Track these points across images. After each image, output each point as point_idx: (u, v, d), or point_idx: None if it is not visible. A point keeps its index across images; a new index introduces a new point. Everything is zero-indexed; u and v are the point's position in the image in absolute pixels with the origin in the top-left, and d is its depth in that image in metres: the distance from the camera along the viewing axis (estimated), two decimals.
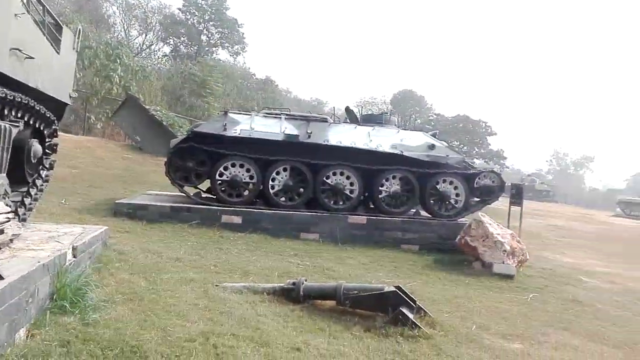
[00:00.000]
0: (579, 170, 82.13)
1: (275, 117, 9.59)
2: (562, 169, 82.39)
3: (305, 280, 5.36)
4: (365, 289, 5.16)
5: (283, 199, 9.46)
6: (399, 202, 9.82)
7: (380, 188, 9.66)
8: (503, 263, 7.99)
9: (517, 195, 10.76)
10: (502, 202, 12.62)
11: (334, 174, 9.49)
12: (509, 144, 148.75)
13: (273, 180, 9.34)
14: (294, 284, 5.25)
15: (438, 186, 9.84)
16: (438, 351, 4.40)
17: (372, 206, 10.18)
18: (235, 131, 9.14)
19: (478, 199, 10.24)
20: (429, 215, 10.05)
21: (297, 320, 4.69)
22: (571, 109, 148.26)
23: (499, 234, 8.17)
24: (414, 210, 10.25)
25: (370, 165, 9.56)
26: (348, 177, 9.52)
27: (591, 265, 10.95)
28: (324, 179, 9.42)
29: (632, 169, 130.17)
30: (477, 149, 44.77)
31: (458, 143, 44.63)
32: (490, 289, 7.20)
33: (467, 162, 10.25)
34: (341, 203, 9.55)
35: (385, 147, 9.61)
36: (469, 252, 8.43)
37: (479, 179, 10.02)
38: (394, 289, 5.06)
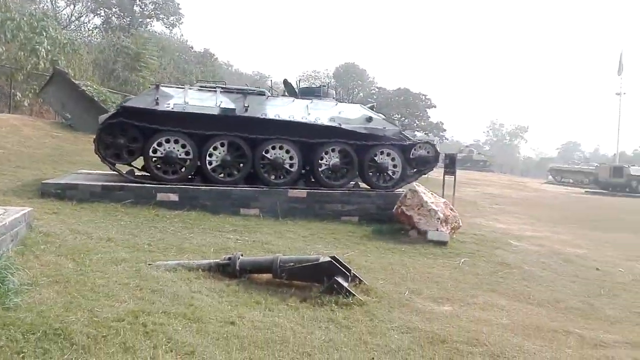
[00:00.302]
0: (514, 140, 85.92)
1: (211, 91, 9.34)
2: (499, 139, 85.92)
3: (242, 255, 5.34)
4: (301, 260, 5.20)
5: (221, 174, 9.30)
6: (339, 175, 9.90)
7: (320, 161, 9.69)
8: (437, 230, 8.28)
9: (451, 164, 11.11)
10: (438, 173, 13.02)
11: (273, 148, 9.41)
12: (448, 117, 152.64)
13: (210, 155, 9.14)
14: (229, 259, 5.21)
15: (376, 158, 9.99)
16: (371, 317, 4.52)
17: (312, 180, 10.21)
18: (167, 106, 8.83)
19: (414, 170, 10.49)
20: (368, 187, 10.21)
21: (232, 295, 4.68)
22: (507, 80, 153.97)
23: (432, 203, 8.44)
24: (354, 183, 10.38)
25: (309, 138, 9.54)
26: (287, 151, 9.47)
27: (521, 230, 11.55)
28: (263, 153, 9.33)
29: (563, 138, 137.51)
30: (417, 122, 45.74)
31: (399, 116, 45.44)
32: (425, 255, 7.46)
33: (404, 133, 10.43)
34: (281, 177, 9.51)
35: (324, 120, 9.61)
36: (405, 221, 8.67)
37: (415, 150, 10.25)
38: (329, 259, 5.13)
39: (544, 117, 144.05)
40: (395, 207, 8.85)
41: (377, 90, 49.69)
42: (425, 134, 43.10)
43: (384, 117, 10.45)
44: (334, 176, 9.85)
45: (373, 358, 3.66)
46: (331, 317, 4.39)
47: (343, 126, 9.67)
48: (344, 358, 3.60)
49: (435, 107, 47.16)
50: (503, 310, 5.22)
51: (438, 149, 10.59)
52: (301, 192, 9.30)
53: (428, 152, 10.37)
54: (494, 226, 11.51)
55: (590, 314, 5.52)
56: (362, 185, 10.57)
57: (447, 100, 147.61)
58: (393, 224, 9.09)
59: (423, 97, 45.75)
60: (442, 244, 8.13)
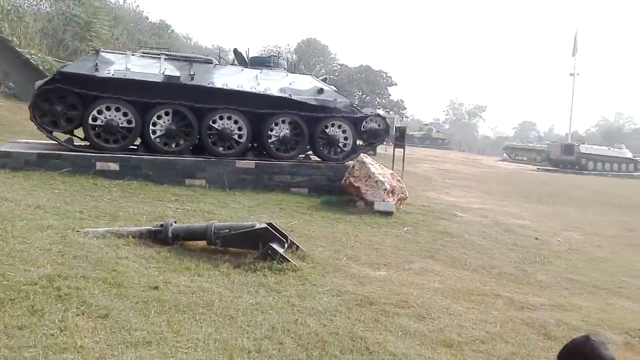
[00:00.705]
0: (472, 119, 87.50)
1: (154, 58, 8.99)
2: (458, 118, 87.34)
3: (175, 222, 5.20)
4: (236, 227, 5.12)
5: (166, 144, 9.04)
6: (289, 147, 9.79)
7: (269, 133, 9.53)
8: (383, 201, 8.32)
9: (401, 137, 11.18)
10: (399, 151, 13.08)
11: (221, 118, 9.19)
12: (409, 95, 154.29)
13: (154, 125, 8.84)
14: (161, 225, 5.07)
15: (327, 130, 9.91)
16: (303, 281, 4.50)
17: (264, 153, 10.05)
18: (108, 72, 8.46)
19: (365, 142, 10.49)
20: (319, 159, 10.16)
21: (162, 262, 4.56)
22: (467, 59, 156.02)
23: (380, 174, 8.46)
24: (304, 156, 10.30)
25: (258, 109, 9.36)
26: (236, 122, 9.27)
27: (469, 202, 11.78)
28: (210, 123, 9.10)
29: (520, 118, 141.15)
30: (378, 99, 45.85)
31: (360, 93, 45.43)
32: (369, 225, 7.49)
33: (355, 106, 10.38)
34: (229, 148, 9.32)
35: (274, 91, 9.43)
36: (353, 192, 8.68)
37: (366, 122, 10.22)
38: (265, 225, 5.06)
39: (502, 97, 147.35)
40: (344, 178, 8.83)
41: (339, 67, 49.41)
42: (386, 111, 43.21)
43: (335, 89, 10.35)
44: (284, 148, 9.73)
45: (297, 319, 3.63)
46: (262, 282, 4.34)
47: (293, 97, 9.52)
48: (268, 320, 3.56)
49: (396, 85, 47.38)
50: (437, 275, 5.30)
51: (389, 122, 10.61)
52: (249, 163, 9.15)
53: (379, 125, 10.36)
54: (443, 199, 11.68)
55: (522, 279, 5.68)
56: (314, 158, 10.52)
57: (408, 78, 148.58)
58: (343, 195, 9.09)
59: (384, 74, 45.84)
60: (388, 214, 8.18)
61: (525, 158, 38.70)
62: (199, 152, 9.39)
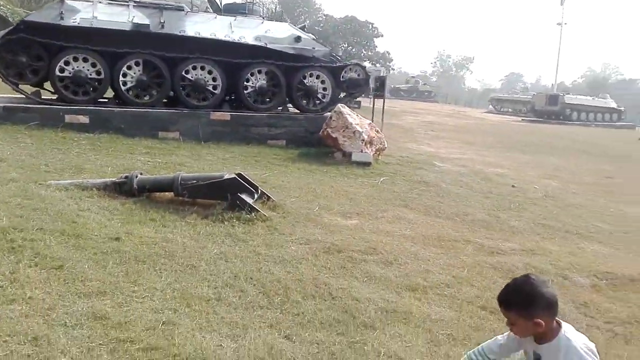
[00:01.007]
0: (459, 71, 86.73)
1: (122, 5, 8.57)
2: (445, 70, 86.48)
3: (141, 174, 5.07)
4: (204, 177, 5.00)
5: (138, 96, 8.77)
6: (266, 98, 9.57)
7: (245, 83, 9.28)
8: (361, 152, 8.23)
9: (381, 87, 10.97)
10: (390, 102, 12.87)
11: (194, 68, 8.90)
12: (395, 47, 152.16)
13: (124, 76, 8.55)
14: (126, 177, 4.93)
15: (305, 80, 9.67)
16: (272, 231, 4.44)
17: (242, 105, 9.81)
18: (74, 20, 8.07)
19: (345, 93, 10.28)
20: (297, 111, 9.96)
21: (126, 214, 4.45)
22: (454, 9, 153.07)
23: (357, 124, 8.33)
24: (281, 108, 10.09)
25: (233, 58, 9.06)
26: (210, 72, 8.99)
27: (449, 153, 11.73)
28: (183, 74, 8.82)
29: (507, 70, 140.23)
30: (364, 51, 44.93)
31: (346, 45, 44.49)
32: (346, 175, 7.42)
33: (334, 55, 10.10)
34: (204, 100, 9.08)
35: (249, 39, 9.11)
36: (331, 143, 8.56)
37: (345, 72, 9.99)
38: (233, 176, 4.95)
39: (489, 48, 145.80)
40: (322, 129, 8.69)
41: (324, 17, 48.04)
42: (372, 63, 42.52)
43: (313, 37, 10.03)
44: (261, 99, 9.51)
45: (262, 268, 3.58)
46: (229, 232, 4.27)
47: (269, 46, 9.21)
48: (231, 269, 3.50)
49: (382, 36, 46.34)
50: (409, 223, 5.28)
51: (368, 72, 10.37)
52: (224, 115, 8.94)
53: (359, 75, 10.13)
54: (424, 150, 11.62)
55: (495, 225, 5.68)
56: (292, 110, 10.32)
57: (395, 29, 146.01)
58: (321, 147, 8.97)
59: (370, 25, 44.71)
60: (365, 164, 8.11)
61: (510, 109, 38.63)
62: (173, 104, 9.15)
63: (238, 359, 2.45)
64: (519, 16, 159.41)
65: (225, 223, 4.46)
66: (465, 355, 2.06)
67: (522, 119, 30.41)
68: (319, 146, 9.04)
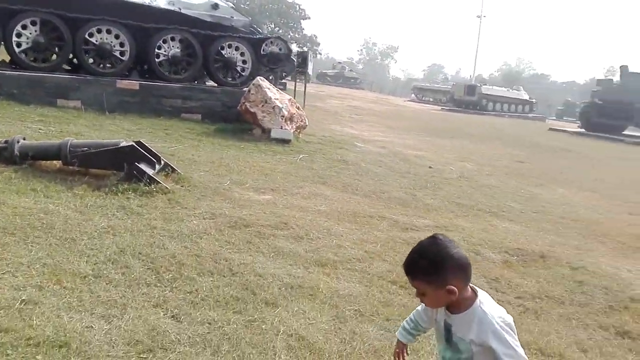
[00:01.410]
0: (385, 60, 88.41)
1: None
2: (371, 58, 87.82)
3: (24, 139, 4.45)
4: (97, 145, 4.48)
5: (35, 59, 7.88)
6: (180, 68, 8.96)
7: (157, 51, 8.61)
8: (281, 128, 7.91)
9: (303, 63, 10.67)
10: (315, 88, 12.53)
11: (99, 31, 8.12)
12: (323, 31, 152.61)
13: (19, 36, 7.63)
14: (6, 142, 4.31)
15: (223, 51, 9.15)
16: (174, 204, 4.03)
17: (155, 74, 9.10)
18: None
19: (266, 67, 9.88)
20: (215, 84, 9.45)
21: (3, 182, 3.88)
22: None
23: (277, 99, 7.99)
24: (197, 82, 9.52)
25: (143, 23, 8.36)
26: (117, 36, 8.25)
27: (371, 135, 11.70)
28: (87, 37, 8.02)
29: (429, 61, 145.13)
30: (291, 33, 44.42)
31: (273, 26, 43.70)
32: (264, 152, 7.08)
33: (254, 26, 9.65)
34: (110, 66, 8.33)
35: (161, 2, 8.46)
36: (250, 118, 8.16)
37: (266, 45, 9.57)
38: (131, 143, 4.47)
39: (414, 38, 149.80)
40: (240, 103, 8.25)
41: None
42: (299, 46, 42.10)
43: (232, 5, 9.52)
44: (175, 69, 8.89)
45: (154, 242, 3.19)
46: (123, 205, 3.82)
47: (184, 11, 8.61)
48: (117, 243, 3.08)
49: (309, 18, 46.09)
50: (326, 199, 5.05)
51: (291, 47, 10.02)
52: (132, 84, 8.24)
53: (280, 50, 9.74)
54: (346, 131, 11.50)
55: (411, 203, 5.60)
56: (210, 83, 9.78)
57: (323, 14, 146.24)
58: (240, 123, 8.54)
59: (297, 6, 44.27)
60: (285, 142, 7.80)
61: (431, 99, 39.78)
62: (76, 70, 8.32)
63: (109, 343, 2.07)
64: (442, 8, 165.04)
65: (120, 195, 3.99)
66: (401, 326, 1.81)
67: (442, 108, 31.39)
68: (237, 122, 8.60)
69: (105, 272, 2.69)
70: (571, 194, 7.49)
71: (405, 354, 1.76)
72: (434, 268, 1.45)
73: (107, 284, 2.58)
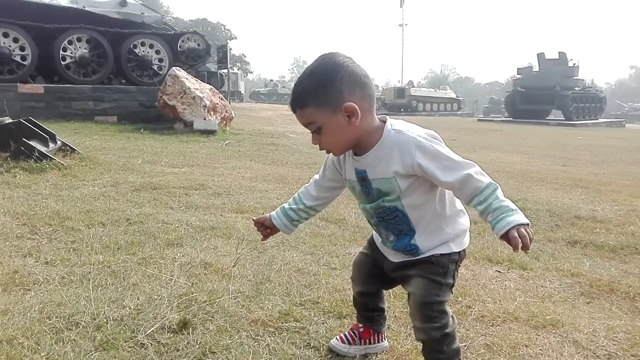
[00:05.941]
0: None
1: None
2: None
3: None
4: None
5: None
6: (90, 70, 8.32)
7: (62, 53, 7.95)
8: (204, 119, 7.44)
9: (224, 58, 10.28)
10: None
11: None
12: (252, 52, 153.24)
13: None
14: None
15: (136, 50, 8.60)
16: (71, 178, 3.52)
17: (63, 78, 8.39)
18: None
19: (185, 64, 9.38)
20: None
21: None
22: (307, 14, 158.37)
23: (197, 89, 7.52)
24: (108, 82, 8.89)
25: (44, 23, 7.70)
26: (16, 40, 7.54)
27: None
28: None
29: None
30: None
31: None
32: (186, 142, 6.56)
33: (167, 23, 9.18)
34: (10, 73, 7.59)
35: (62, 1, 7.85)
36: (170, 113, 7.62)
37: (183, 41, 9.11)
38: (20, 120, 3.90)
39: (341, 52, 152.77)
40: (157, 98, 7.71)
41: (172, 19, 46.05)
42: (229, 66, 41.65)
43: (142, 2, 9.01)
44: (84, 71, 8.24)
45: (37, 204, 2.67)
46: (8, 181, 3.26)
47: (88, 9, 8.03)
48: None
49: (236, 38, 45.82)
50: (252, 170, 4.65)
51: (209, 42, 9.61)
52: (36, 88, 7.54)
53: (198, 45, 9.31)
54: (279, 129, 11.15)
55: None
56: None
57: (251, 35, 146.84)
58: (162, 122, 7.97)
59: (223, 27, 43.90)
60: (210, 132, 7.33)
61: None
62: None
63: None
64: (366, 21, 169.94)
65: (5, 174, 3.42)
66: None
67: None
68: (157, 122, 8.04)
69: None
70: (505, 156, 7.47)
71: (266, 230, 1.37)
72: (322, 85, 1.08)
73: None
